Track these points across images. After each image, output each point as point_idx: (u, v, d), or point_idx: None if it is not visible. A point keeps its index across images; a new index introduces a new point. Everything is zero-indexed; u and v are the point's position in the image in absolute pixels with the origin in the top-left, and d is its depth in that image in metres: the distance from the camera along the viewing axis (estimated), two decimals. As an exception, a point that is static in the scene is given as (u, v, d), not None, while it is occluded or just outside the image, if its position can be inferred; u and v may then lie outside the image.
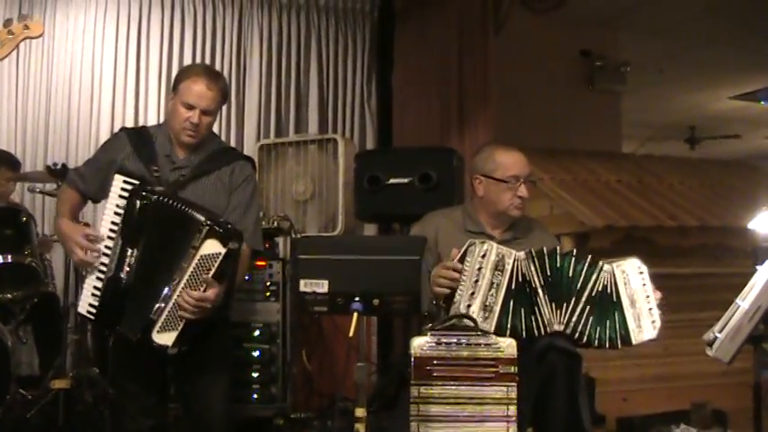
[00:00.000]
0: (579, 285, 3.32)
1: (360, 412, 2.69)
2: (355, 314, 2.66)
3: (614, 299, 3.33)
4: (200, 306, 3.17)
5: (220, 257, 3.16)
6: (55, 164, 5.03)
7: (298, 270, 2.77)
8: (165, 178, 3.44)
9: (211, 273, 3.16)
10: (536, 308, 3.30)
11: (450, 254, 3.58)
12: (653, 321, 3.35)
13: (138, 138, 3.56)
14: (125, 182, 3.31)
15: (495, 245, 3.32)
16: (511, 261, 3.30)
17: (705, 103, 10.38)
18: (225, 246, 3.16)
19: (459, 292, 3.25)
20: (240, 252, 3.27)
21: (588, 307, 3.30)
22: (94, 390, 4.86)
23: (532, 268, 3.32)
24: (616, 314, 3.33)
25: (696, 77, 9.17)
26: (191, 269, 3.17)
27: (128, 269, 3.24)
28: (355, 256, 2.78)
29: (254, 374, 4.74)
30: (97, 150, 3.76)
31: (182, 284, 3.18)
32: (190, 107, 3.45)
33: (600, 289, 3.33)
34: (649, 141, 11.24)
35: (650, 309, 3.36)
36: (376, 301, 2.72)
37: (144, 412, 3.45)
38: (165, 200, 3.27)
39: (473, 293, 3.24)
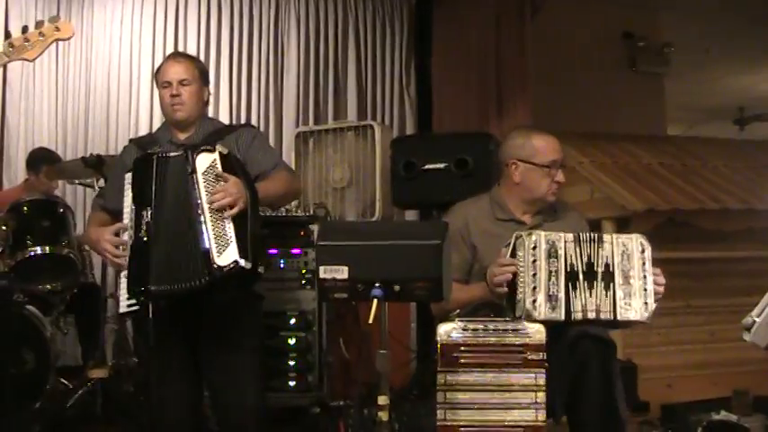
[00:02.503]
0: (596, 268, 3.23)
1: (382, 400, 2.65)
2: (375, 301, 2.61)
3: (610, 270, 3.22)
4: (230, 197, 3.21)
5: (217, 162, 3.28)
6: (91, 154, 5.06)
7: (317, 256, 2.72)
8: None
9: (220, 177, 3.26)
10: (578, 292, 3.23)
11: (484, 250, 3.58)
12: (645, 303, 3.18)
13: (142, 140, 3.84)
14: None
15: (542, 233, 3.24)
16: (562, 245, 3.22)
17: (752, 84, 10.18)
18: (213, 152, 3.30)
19: (519, 289, 3.17)
20: (232, 155, 3.38)
21: (603, 284, 3.21)
22: (133, 379, 4.89)
23: (578, 251, 3.25)
24: (609, 288, 3.20)
25: (741, 58, 9.00)
26: (202, 189, 3.23)
27: (146, 228, 3.24)
28: (375, 242, 2.72)
29: (291, 363, 4.70)
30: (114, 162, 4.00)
31: (204, 201, 3.22)
32: (166, 85, 3.64)
33: (604, 263, 3.23)
34: (697, 124, 11.07)
35: (645, 289, 3.20)
36: (396, 287, 2.67)
37: (179, 398, 3.47)
38: (156, 155, 3.36)
39: (535, 287, 3.15)
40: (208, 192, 3.23)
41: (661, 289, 3.26)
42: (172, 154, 3.35)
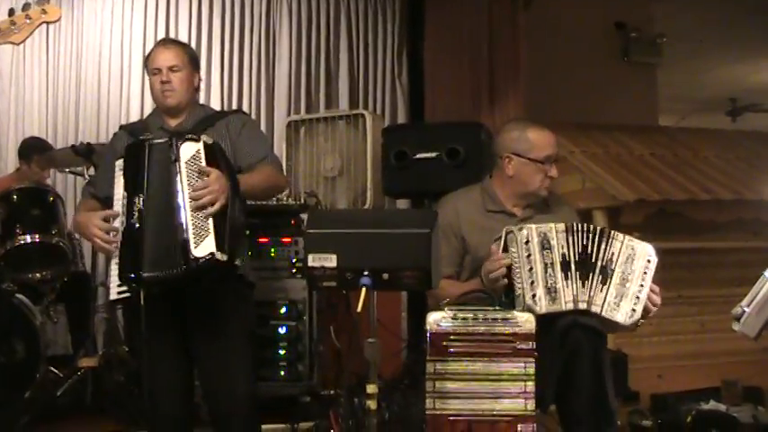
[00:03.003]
0: (595, 260, 3.24)
1: (371, 389, 2.65)
2: (363, 289, 2.61)
3: (612, 267, 3.24)
4: (209, 191, 3.21)
5: (201, 152, 3.27)
6: (81, 143, 5.05)
7: (306, 244, 2.72)
8: None
9: (201, 169, 3.26)
10: (569, 282, 3.23)
11: (474, 241, 3.60)
12: (633, 309, 3.23)
13: (133, 126, 3.82)
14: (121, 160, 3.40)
15: (533, 226, 3.25)
16: (554, 235, 3.23)
17: (745, 75, 10.18)
18: (198, 141, 3.29)
19: (517, 284, 3.18)
20: (217, 145, 3.36)
21: (600, 278, 3.23)
22: (124, 368, 4.88)
23: (570, 242, 3.25)
24: (606, 283, 3.23)
25: (733, 49, 8.99)
26: (185, 177, 3.23)
27: (137, 214, 3.23)
28: (364, 230, 2.73)
29: (281, 352, 4.71)
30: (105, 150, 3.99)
31: (186, 193, 3.21)
32: (156, 71, 3.63)
33: (608, 258, 3.24)
34: (689, 115, 11.06)
35: (637, 296, 3.24)
36: (385, 276, 2.67)
37: (171, 386, 3.48)
38: (147, 141, 3.36)
39: (533, 282, 3.17)
40: (190, 182, 3.23)
41: (652, 307, 3.28)
42: (157, 141, 3.34)
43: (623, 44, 7.50)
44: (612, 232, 3.29)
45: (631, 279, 3.23)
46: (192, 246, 3.16)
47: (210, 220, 3.20)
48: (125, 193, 3.29)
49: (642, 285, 3.24)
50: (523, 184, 3.68)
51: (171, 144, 3.27)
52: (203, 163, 3.26)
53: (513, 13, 6.12)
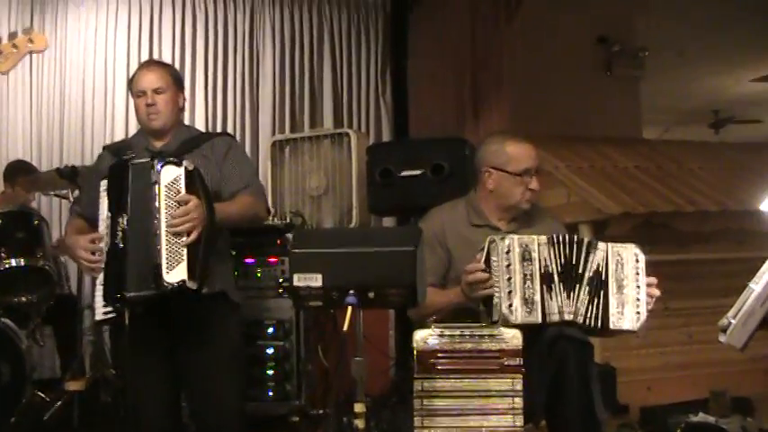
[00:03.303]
0: (582, 271, 3.25)
1: (358, 407, 2.64)
2: (350, 308, 2.60)
3: (602, 278, 3.24)
4: (187, 219, 3.21)
5: (182, 177, 3.27)
6: (66, 166, 5.03)
7: (291, 264, 2.72)
8: None
9: (181, 192, 3.25)
10: (552, 294, 3.23)
11: (459, 255, 3.58)
12: (637, 312, 3.24)
13: (116, 147, 3.81)
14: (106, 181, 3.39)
15: (515, 237, 3.24)
16: (536, 248, 3.23)
17: (727, 87, 10.24)
18: (180, 165, 3.28)
19: (495, 293, 3.17)
20: (197, 171, 3.34)
21: (587, 289, 3.23)
22: (111, 390, 4.85)
23: (553, 254, 3.25)
24: (600, 296, 3.23)
25: (716, 61, 9.06)
26: (163, 201, 3.23)
27: (121, 234, 3.24)
28: (349, 249, 2.72)
29: (269, 372, 4.70)
30: (88, 173, 4.03)
31: (163, 216, 3.22)
32: (141, 94, 3.62)
33: (594, 269, 3.25)
34: (673, 127, 11.11)
35: (638, 299, 3.25)
36: (371, 294, 2.66)
37: (158, 405, 3.48)
38: (130, 161, 3.37)
39: (510, 292, 3.16)
40: (168, 206, 3.23)
41: (652, 300, 3.29)
42: (138, 161, 3.35)
43: (606, 58, 7.51)
44: (594, 242, 3.29)
45: (627, 284, 3.24)
46: (164, 270, 3.17)
47: (185, 249, 3.21)
48: (109, 213, 3.29)
49: (639, 287, 3.25)
50: (504, 198, 3.68)
51: (152, 166, 3.27)
52: (183, 189, 3.26)
53: (496, 31, 6.14)
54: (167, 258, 3.18)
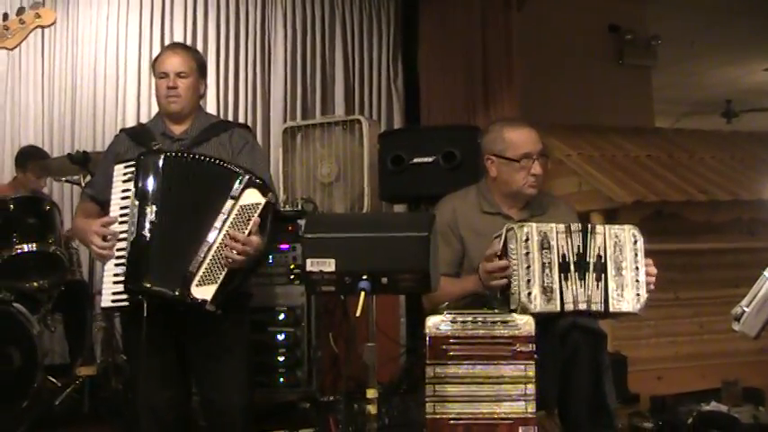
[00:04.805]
0: (588, 258, 3.23)
1: (370, 393, 2.64)
2: (362, 293, 2.60)
3: (603, 262, 3.22)
4: (245, 250, 3.18)
5: (260, 208, 3.23)
6: (77, 151, 5.05)
7: (303, 249, 2.71)
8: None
9: (251, 222, 3.21)
10: (569, 283, 3.22)
11: (471, 243, 3.59)
12: (637, 294, 3.21)
13: (134, 131, 3.77)
14: (125, 166, 3.35)
15: (534, 225, 3.22)
16: (554, 236, 3.21)
17: (740, 77, 10.21)
18: (265, 196, 3.24)
19: (513, 282, 3.16)
20: (273, 206, 3.31)
21: (594, 276, 3.22)
22: (122, 377, 4.86)
23: (570, 242, 3.24)
24: (602, 279, 3.21)
25: (728, 50, 9.02)
26: (232, 218, 3.20)
27: (150, 226, 3.21)
28: (362, 234, 2.71)
29: (280, 359, 4.69)
30: (102, 156, 3.94)
31: (223, 233, 3.19)
32: (163, 75, 3.61)
33: (596, 254, 3.23)
34: (684, 117, 11.07)
35: (637, 280, 3.22)
36: (384, 280, 2.65)
37: (167, 396, 3.47)
38: (186, 155, 3.36)
39: (529, 280, 3.15)
40: (233, 227, 3.21)
41: (653, 279, 3.26)
42: (226, 165, 3.31)
43: (618, 47, 7.51)
44: (593, 226, 3.27)
45: (626, 266, 3.21)
46: (194, 282, 3.17)
47: (224, 272, 3.20)
48: (135, 202, 3.25)
49: (637, 268, 3.22)
50: (506, 184, 3.66)
51: (239, 178, 3.24)
52: (255, 218, 3.23)
53: (507, 18, 6.13)
54: (204, 273, 3.18)
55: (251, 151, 3.67)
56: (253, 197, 3.23)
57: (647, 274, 3.24)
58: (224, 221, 3.20)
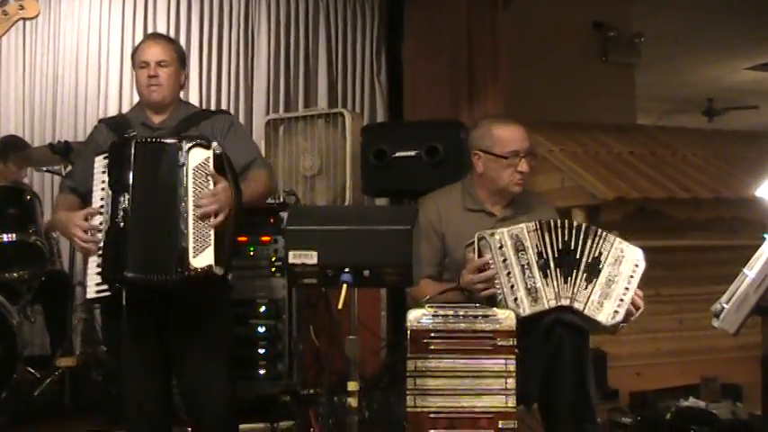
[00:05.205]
0: (579, 256, 3.25)
1: (352, 386, 2.64)
2: (344, 286, 2.59)
3: (598, 267, 3.24)
4: (217, 201, 3.19)
5: (210, 160, 3.23)
6: (59, 141, 5.02)
7: (286, 241, 2.70)
8: None
9: (209, 177, 3.22)
10: (548, 280, 3.23)
11: (453, 240, 3.59)
12: (615, 311, 3.23)
13: (113, 120, 3.78)
14: (104, 157, 3.33)
15: (504, 231, 3.25)
16: (526, 236, 3.23)
17: (722, 75, 10.26)
18: (208, 149, 3.24)
19: (498, 291, 3.18)
20: (224, 154, 3.30)
21: (585, 275, 3.23)
22: (102, 368, 4.84)
23: (547, 239, 3.25)
24: (591, 282, 3.24)
25: (711, 49, 9.07)
26: (191, 186, 3.20)
27: (123, 214, 3.20)
28: (345, 227, 2.72)
29: (261, 351, 4.68)
30: (83, 146, 3.95)
31: (190, 199, 3.18)
32: (144, 65, 3.60)
33: (594, 256, 3.25)
34: (667, 114, 11.11)
35: (622, 299, 3.24)
36: (366, 273, 2.66)
37: (149, 387, 3.45)
38: (153, 140, 3.37)
39: (513, 286, 3.18)
40: (196, 190, 3.20)
41: (635, 310, 3.28)
42: (167, 141, 3.31)
43: (602, 44, 7.53)
44: (603, 232, 3.30)
45: (617, 281, 3.24)
46: (191, 255, 3.14)
47: (212, 232, 3.18)
48: (110, 192, 3.24)
49: (627, 288, 3.24)
50: (492, 181, 3.67)
51: (180, 147, 3.23)
52: (212, 170, 3.23)
53: (492, 14, 6.14)
54: (194, 242, 3.15)
55: (237, 131, 3.70)
56: (198, 155, 3.22)
57: (633, 302, 3.26)
58: (186, 190, 3.19)
